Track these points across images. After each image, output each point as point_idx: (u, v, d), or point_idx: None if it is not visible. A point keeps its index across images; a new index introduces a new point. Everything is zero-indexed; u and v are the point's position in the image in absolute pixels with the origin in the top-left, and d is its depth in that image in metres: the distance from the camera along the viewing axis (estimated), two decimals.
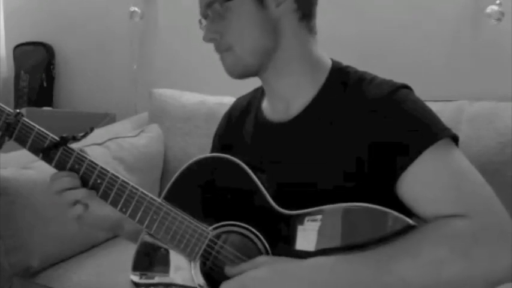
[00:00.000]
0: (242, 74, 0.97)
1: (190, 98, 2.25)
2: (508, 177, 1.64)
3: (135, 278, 0.96)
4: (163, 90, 2.34)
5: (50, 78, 2.84)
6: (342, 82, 0.95)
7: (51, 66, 2.83)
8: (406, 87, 0.93)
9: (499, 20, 1.84)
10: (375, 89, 0.91)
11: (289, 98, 0.98)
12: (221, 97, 2.09)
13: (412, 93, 0.94)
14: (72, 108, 2.81)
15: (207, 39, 0.96)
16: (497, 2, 1.85)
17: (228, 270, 0.89)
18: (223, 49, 0.96)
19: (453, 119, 1.77)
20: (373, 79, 0.94)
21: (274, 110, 1.01)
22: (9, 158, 1.80)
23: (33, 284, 1.71)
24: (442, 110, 1.82)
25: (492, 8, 1.85)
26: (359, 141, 0.88)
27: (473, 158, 1.69)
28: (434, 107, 1.86)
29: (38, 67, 2.82)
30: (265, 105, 1.04)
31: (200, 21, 0.99)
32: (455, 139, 0.89)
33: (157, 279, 0.95)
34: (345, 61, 1.04)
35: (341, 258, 0.82)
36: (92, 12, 2.71)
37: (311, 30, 1.00)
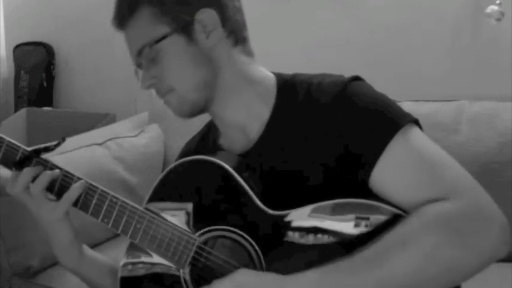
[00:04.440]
0: (191, 112, 0.95)
1: None
2: (507, 177, 1.64)
3: (128, 259, 0.95)
4: None
5: (50, 78, 2.84)
6: (293, 95, 0.93)
7: (51, 66, 2.83)
8: (355, 79, 0.91)
9: (499, 20, 1.84)
10: (325, 92, 0.90)
11: (244, 124, 0.96)
12: None
13: (362, 84, 0.92)
14: (72, 108, 2.81)
15: (145, 86, 0.94)
16: (497, 2, 1.85)
17: None
18: (164, 92, 0.94)
19: (453, 119, 1.77)
20: (320, 82, 0.92)
21: (232, 141, 0.99)
22: None
23: (33, 284, 1.71)
24: (442, 110, 1.82)
25: (492, 8, 1.85)
26: (324, 149, 0.88)
27: (473, 158, 1.71)
28: (434, 107, 1.88)
29: (38, 67, 2.82)
30: (222, 140, 1.02)
31: (136, 72, 0.97)
32: (416, 122, 0.88)
33: (151, 259, 0.94)
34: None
35: (329, 270, 0.81)
36: (92, 12, 2.70)
37: (249, 53, 0.97)
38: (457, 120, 1.77)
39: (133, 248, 0.96)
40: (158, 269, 0.94)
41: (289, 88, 0.95)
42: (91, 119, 2.45)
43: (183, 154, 1.09)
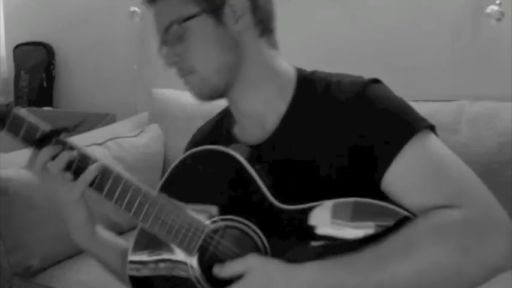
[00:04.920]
0: (210, 96, 0.96)
1: (190, 98, 2.23)
2: (507, 177, 1.64)
3: (135, 257, 0.95)
4: (163, 90, 2.34)
5: (50, 78, 2.84)
6: (311, 90, 0.94)
7: (51, 66, 2.84)
8: (374, 81, 0.92)
9: (499, 20, 1.85)
10: (344, 92, 0.90)
11: (260, 115, 0.97)
12: None
13: (381, 87, 0.93)
14: (72, 108, 2.82)
15: (168, 63, 0.95)
16: (497, 2, 1.85)
17: (217, 270, 0.88)
18: (186, 72, 0.95)
19: (453, 119, 1.77)
20: (339, 81, 0.93)
21: (247, 132, 1.00)
22: (9, 158, 1.80)
23: (33, 283, 1.71)
24: (442, 110, 1.83)
25: (492, 8, 1.86)
26: (339, 146, 0.88)
27: (473, 158, 1.72)
28: (434, 107, 1.88)
29: (38, 67, 2.82)
30: (236, 130, 1.02)
31: (160, 48, 0.97)
32: (432, 128, 0.89)
33: (158, 256, 0.95)
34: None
35: (333, 263, 0.81)
36: (92, 12, 2.71)
37: (273, 45, 0.98)
38: (457, 120, 1.77)
39: (138, 245, 0.96)
40: (164, 268, 0.95)
41: (308, 83, 0.95)
42: (91, 119, 2.46)
43: (194, 141, 1.09)
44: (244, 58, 0.94)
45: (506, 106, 1.76)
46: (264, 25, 0.96)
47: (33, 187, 1.69)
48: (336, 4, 2.09)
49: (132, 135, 2.12)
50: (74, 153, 0.95)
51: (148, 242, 0.96)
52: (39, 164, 0.94)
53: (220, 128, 1.06)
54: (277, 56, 0.99)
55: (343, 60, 2.09)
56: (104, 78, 2.74)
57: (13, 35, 2.94)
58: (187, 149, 1.08)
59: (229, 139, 1.01)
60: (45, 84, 2.82)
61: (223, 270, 0.87)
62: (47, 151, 0.94)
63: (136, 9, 2.50)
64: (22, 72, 2.87)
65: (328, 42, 2.13)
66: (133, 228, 1.91)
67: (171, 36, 0.93)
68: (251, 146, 0.97)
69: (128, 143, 2.04)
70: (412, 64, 2.02)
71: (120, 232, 1.97)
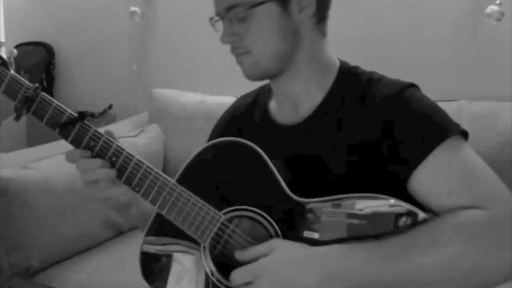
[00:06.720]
0: (260, 78, 0.98)
1: (190, 98, 2.25)
2: (508, 177, 1.62)
3: None
4: (163, 90, 2.34)
5: (50, 78, 2.84)
6: (351, 83, 0.96)
7: (51, 66, 2.83)
8: (413, 85, 0.95)
9: (499, 20, 1.85)
10: (383, 90, 0.92)
11: (298, 99, 0.99)
12: (221, 97, 2.09)
13: (419, 91, 0.95)
14: (72, 109, 2.81)
15: (224, 41, 0.95)
16: (497, 2, 1.85)
17: (239, 254, 0.89)
18: (240, 52, 0.96)
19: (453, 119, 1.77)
20: (380, 79, 0.95)
21: (282, 111, 1.02)
22: (9, 158, 1.80)
23: (33, 283, 1.71)
24: None
25: (492, 8, 1.86)
26: (370, 141, 0.89)
27: None
28: None
29: (38, 67, 2.82)
30: (272, 105, 1.04)
31: (212, 18, 0.98)
32: (464, 134, 0.91)
33: None
34: (348, 61, 1.05)
35: (356, 246, 0.83)
36: (92, 12, 2.71)
37: (324, 32, 1.00)
38: (457, 120, 1.76)
39: (151, 277, 0.96)
40: None
41: (349, 76, 0.98)
42: (91, 119, 2.45)
43: (234, 108, 1.12)
44: (299, 46, 0.95)
45: (506, 106, 1.76)
46: (322, 14, 0.98)
47: (33, 187, 1.70)
48: (336, 4, 2.09)
49: (132, 135, 2.12)
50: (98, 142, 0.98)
51: (154, 275, 0.96)
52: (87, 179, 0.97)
53: (255, 105, 1.08)
54: (326, 44, 1.00)
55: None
56: (104, 78, 2.74)
57: (13, 35, 2.94)
58: (223, 117, 1.12)
59: (264, 115, 1.03)
60: (45, 84, 2.82)
61: (246, 253, 0.88)
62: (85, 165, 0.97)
63: (136, 9, 2.50)
64: (22, 72, 2.86)
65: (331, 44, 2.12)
66: (133, 228, 1.91)
67: (233, 16, 0.93)
68: (282, 126, 0.99)
69: (127, 143, 2.03)
70: (412, 64, 2.01)
71: (120, 232, 1.97)
